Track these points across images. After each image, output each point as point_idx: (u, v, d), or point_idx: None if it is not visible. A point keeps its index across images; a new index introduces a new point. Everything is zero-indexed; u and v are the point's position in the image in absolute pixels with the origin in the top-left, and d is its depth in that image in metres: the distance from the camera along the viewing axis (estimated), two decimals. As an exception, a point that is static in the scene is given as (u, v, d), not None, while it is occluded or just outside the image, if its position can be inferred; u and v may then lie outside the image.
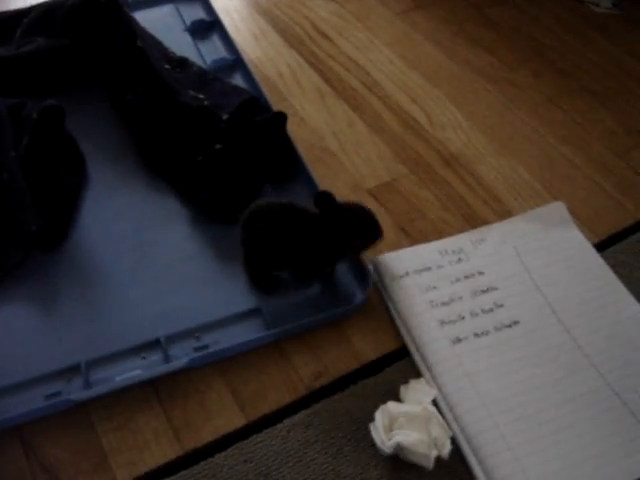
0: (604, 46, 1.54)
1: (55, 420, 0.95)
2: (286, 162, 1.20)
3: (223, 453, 0.92)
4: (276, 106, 1.29)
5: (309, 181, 1.17)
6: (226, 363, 1.00)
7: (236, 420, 0.95)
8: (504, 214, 1.18)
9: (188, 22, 1.52)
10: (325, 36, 1.53)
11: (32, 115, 1.15)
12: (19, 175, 1.12)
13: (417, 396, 0.94)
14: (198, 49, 1.45)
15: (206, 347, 1.00)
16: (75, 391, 0.97)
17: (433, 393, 0.94)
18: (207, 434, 0.94)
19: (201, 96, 1.23)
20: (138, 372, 0.97)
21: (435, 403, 0.94)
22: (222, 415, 0.95)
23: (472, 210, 1.18)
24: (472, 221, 1.17)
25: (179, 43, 1.44)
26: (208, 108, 1.18)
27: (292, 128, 1.24)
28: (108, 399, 0.97)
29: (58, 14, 1.35)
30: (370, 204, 1.15)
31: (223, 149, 1.14)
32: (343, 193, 1.19)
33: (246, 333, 1.02)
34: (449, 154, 1.28)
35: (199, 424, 0.95)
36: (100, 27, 1.32)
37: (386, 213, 1.17)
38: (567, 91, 1.42)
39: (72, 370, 0.99)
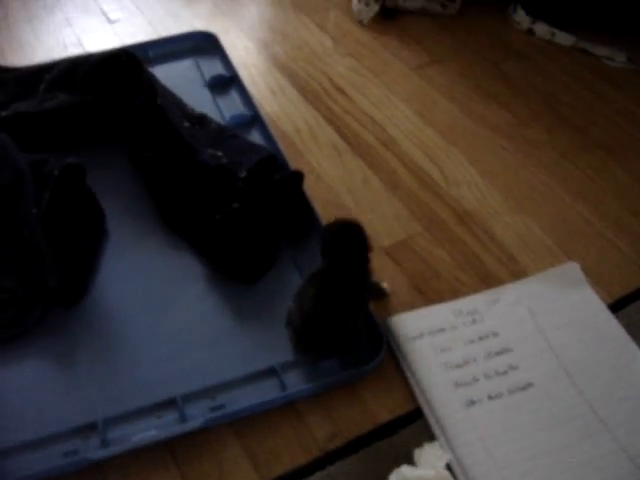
0: (618, 101, 1.55)
1: (72, 478, 0.96)
2: (303, 220, 1.21)
3: (236, 515, 0.92)
4: (293, 162, 1.31)
5: (325, 240, 1.19)
6: (241, 423, 1.00)
7: (251, 481, 0.95)
8: (519, 273, 1.19)
9: (207, 77, 1.55)
10: (342, 92, 1.55)
11: (54, 172, 1.17)
12: (40, 232, 1.14)
13: (431, 460, 0.94)
14: (217, 104, 1.48)
15: (222, 407, 1.01)
16: (92, 449, 0.98)
17: (447, 457, 0.94)
18: (221, 496, 0.94)
19: (219, 153, 1.25)
20: (154, 432, 0.98)
21: (449, 467, 0.94)
22: (237, 476, 0.96)
23: (487, 269, 1.19)
24: (487, 280, 1.18)
25: (198, 98, 1.46)
26: (226, 167, 1.20)
27: (308, 185, 1.26)
28: (124, 458, 0.97)
29: (80, 71, 1.38)
30: (386, 263, 1.18)
31: (241, 208, 1.15)
32: (359, 251, 1.20)
33: (261, 393, 1.02)
34: (464, 211, 1.29)
35: (214, 485, 0.95)
36: (121, 84, 1.35)
37: (401, 272, 1.18)
38: (581, 147, 1.43)
39: (89, 428, 1.00)
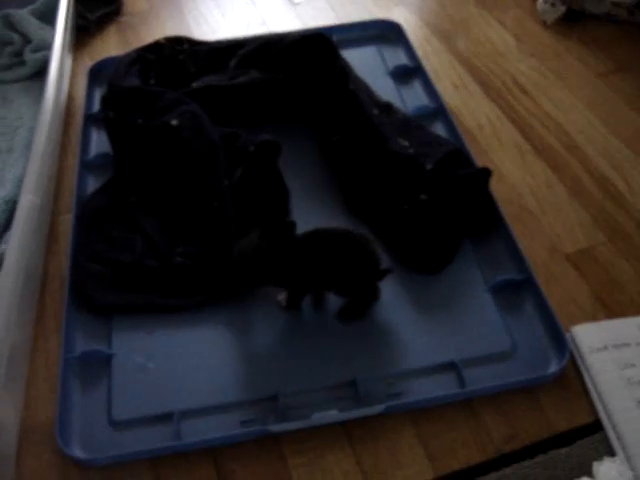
0: None
1: (248, 447, 0.99)
2: (486, 218, 1.20)
3: (410, 505, 0.93)
4: (475, 159, 1.30)
5: (508, 239, 1.18)
6: (418, 413, 1.01)
7: (425, 473, 0.96)
8: None
9: (391, 66, 1.55)
10: (525, 92, 1.53)
11: (249, 147, 1.19)
12: (229, 204, 1.17)
13: (612, 475, 0.92)
14: (400, 94, 1.48)
15: (399, 395, 1.02)
16: (268, 421, 1.00)
17: (629, 475, 0.92)
18: (396, 483, 0.95)
19: (406, 143, 1.25)
20: (334, 412, 0.99)
21: (630, 485, 0.92)
22: (411, 466, 0.96)
23: (673, 286, 1.16)
24: (673, 298, 1.14)
25: (381, 87, 1.46)
26: (415, 157, 1.20)
27: (492, 183, 1.24)
28: (300, 433, 0.99)
29: (274, 50, 1.40)
30: (567, 270, 1.16)
31: (429, 200, 1.15)
32: (540, 255, 1.19)
33: (438, 386, 1.03)
34: (649, 226, 1.25)
35: (389, 472, 0.96)
36: (314, 66, 1.36)
37: (583, 281, 1.16)
38: None
39: (269, 400, 1.02)
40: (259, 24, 1.77)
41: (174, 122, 1.27)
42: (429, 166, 1.21)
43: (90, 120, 1.50)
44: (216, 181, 1.19)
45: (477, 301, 1.12)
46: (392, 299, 1.13)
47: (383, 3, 1.84)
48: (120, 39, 1.78)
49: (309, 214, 1.25)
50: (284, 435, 1.00)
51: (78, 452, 0.99)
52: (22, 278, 1.07)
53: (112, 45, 1.76)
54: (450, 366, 1.05)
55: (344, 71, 1.36)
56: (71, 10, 1.66)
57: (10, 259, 1.04)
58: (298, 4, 1.84)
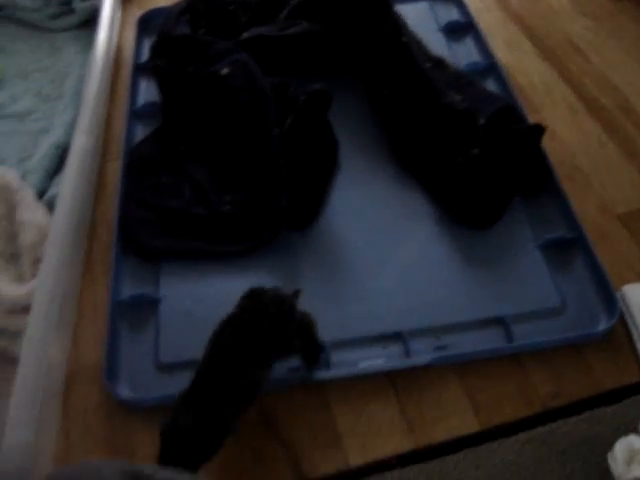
0: None
1: (295, 394, 1.00)
2: (537, 175, 1.19)
3: (455, 456, 0.93)
4: (528, 117, 1.28)
5: (559, 197, 1.17)
6: (464, 366, 1.01)
7: (470, 425, 0.96)
8: None
9: (442, 22, 1.53)
10: (579, 51, 1.50)
11: (300, 97, 1.19)
12: (278, 153, 1.17)
13: (660, 434, 0.92)
14: (452, 50, 1.46)
15: (445, 347, 1.02)
16: (315, 368, 1.00)
17: (677, 434, 0.91)
18: (441, 433, 0.95)
19: (458, 98, 1.24)
20: (381, 362, 1.00)
21: (678, 445, 0.91)
22: (456, 417, 0.96)
23: None
24: None
25: (433, 42, 1.45)
26: (469, 111, 1.19)
27: (543, 141, 1.22)
28: (346, 382, 1.00)
29: (326, 1, 1.39)
30: (618, 230, 1.14)
31: (481, 154, 1.14)
32: (591, 214, 1.17)
33: (486, 340, 1.02)
34: None
35: (433, 422, 0.96)
36: (366, 19, 1.35)
37: (634, 242, 1.15)
38: None
39: (315, 348, 1.03)
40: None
41: (224, 71, 1.26)
42: (481, 121, 1.19)
43: (139, 69, 1.49)
44: (266, 130, 1.19)
45: (526, 258, 1.11)
46: (441, 253, 1.13)
47: (436, -41, 1.80)
48: (170, -11, 1.77)
49: (357, 167, 1.25)
50: (330, 383, 1.00)
51: (124, 393, 1.01)
52: (75, 219, 1.07)
53: (162, -5, 1.75)
54: (498, 321, 1.04)
55: (397, 24, 1.34)
56: (122, -41, 1.65)
57: (63, 199, 1.05)
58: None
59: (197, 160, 1.26)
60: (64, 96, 1.46)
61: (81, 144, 1.13)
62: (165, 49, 1.38)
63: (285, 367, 1.01)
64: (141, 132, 1.36)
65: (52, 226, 1.04)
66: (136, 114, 1.39)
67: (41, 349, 0.92)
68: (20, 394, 0.85)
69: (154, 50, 1.41)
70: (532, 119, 1.29)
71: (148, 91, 1.44)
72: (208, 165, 1.25)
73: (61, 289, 1.00)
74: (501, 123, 1.21)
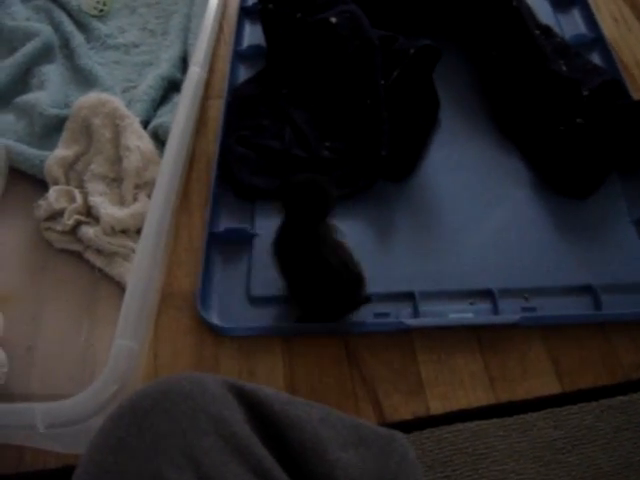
0: None
1: (380, 339, 1.02)
2: (637, 152, 1.18)
3: (535, 414, 0.95)
4: (632, 94, 1.27)
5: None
6: (549, 330, 1.02)
7: (552, 386, 0.97)
8: None
9: (549, -9, 1.52)
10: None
11: (409, 50, 1.20)
12: (383, 103, 1.18)
13: None
14: (558, 20, 1.45)
15: (533, 309, 1.03)
16: (403, 316, 1.03)
17: None
18: (522, 391, 0.97)
19: (564, 68, 1.24)
20: (470, 315, 1.01)
21: None
22: (539, 378, 0.98)
23: None
24: None
25: (539, 11, 1.43)
26: (576, 80, 1.18)
27: (642, 119, 1.22)
28: (433, 333, 1.02)
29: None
30: None
31: (585, 124, 1.14)
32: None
33: (574, 306, 1.04)
34: None
35: (515, 380, 0.98)
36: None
37: None
38: None
39: (404, 296, 1.05)
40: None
41: (333, 19, 1.27)
42: (585, 92, 1.19)
43: (244, 12, 1.52)
44: (372, 80, 1.20)
45: (619, 231, 1.12)
46: (535, 217, 1.13)
47: None
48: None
49: (457, 126, 1.26)
50: (416, 332, 1.02)
51: (216, 320, 1.04)
52: (183, 151, 1.10)
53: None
54: (587, 289, 1.05)
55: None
56: None
57: (177, 128, 1.08)
58: None
59: (299, 104, 1.28)
60: (170, 32, 1.49)
61: (195, 75, 1.16)
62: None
63: (372, 312, 1.03)
64: (244, 73, 1.39)
65: (165, 155, 1.07)
66: (240, 55, 1.42)
67: (147, 272, 0.95)
68: (129, 305, 0.89)
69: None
70: (636, 97, 1.28)
71: (253, 34, 1.47)
72: (310, 110, 1.27)
73: (168, 217, 1.03)
74: (605, 96, 1.20)
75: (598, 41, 1.40)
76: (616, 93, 1.23)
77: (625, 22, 1.50)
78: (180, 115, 1.09)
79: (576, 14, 1.49)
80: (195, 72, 1.16)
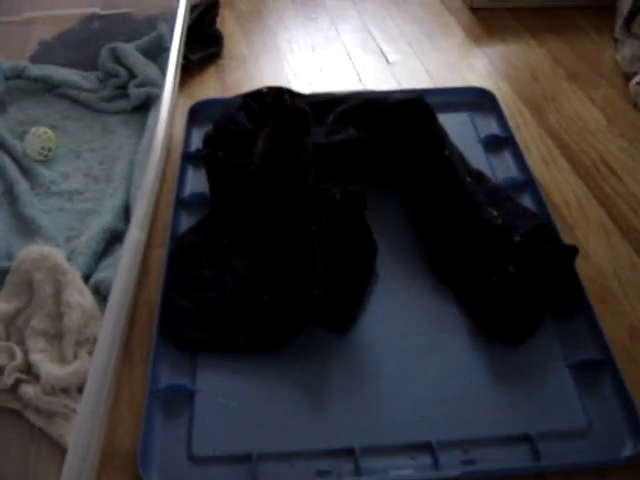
0: None
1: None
2: (569, 295, 1.22)
3: None
4: (561, 235, 1.31)
5: (590, 318, 1.20)
6: (490, 480, 1.02)
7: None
8: None
9: (482, 134, 1.59)
10: (613, 172, 1.54)
11: (336, 196, 1.24)
12: (316, 248, 1.20)
13: None
14: (490, 164, 1.51)
15: (473, 462, 1.03)
16: (345, 474, 1.02)
17: None
18: None
19: (495, 214, 1.28)
20: (410, 472, 1.01)
21: None
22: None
23: None
24: None
25: (472, 154, 1.50)
26: (506, 228, 1.23)
27: (575, 261, 1.26)
28: (376, 490, 1.01)
29: (373, 110, 1.45)
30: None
31: (516, 272, 1.17)
32: (620, 337, 1.20)
33: (513, 457, 1.04)
34: None
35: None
36: (412, 130, 1.40)
37: (663, 367, 1.17)
38: None
39: (344, 453, 1.05)
40: (355, 80, 1.83)
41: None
42: (517, 238, 1.23)
43: (187, 158, 1.56)
44: (304, 228, 1.22)
45: (555, 376, 1.14)
46: (472, 366, 1.15)
47: (477, 70, 1.88)
48: (218, 81, 1.85)
49: (395, 274, 1.29)
50: (360, 490, 1.02)
51: (157, 482, 1.03)
52: (125, 307, 1.11)
53: (211, 87, 1.83)
54: (525, 438, 1.06)
55: (440, 137, 1.40)
56: (181, 50, 1.72)
57: (116, 293, 1.09)
58: (393, 63, 1.89)
59: (241, 253, 1.30)
60: (113, 180, 1.51)
61: (135, 239, 1.18)
62: (220, 141, 1.44)
63: (314, 470, 1.03)
64: (186, 221, 1.41)
65: (106, 314, 1.07)
66: (182, 203, 1.45)
67: (89, 432, 0.95)
68: (71, 469, 0.88)
69: (209, 140, 1.47)
70: (565, 238, 1.32)
71: (195, 181, 1.50)
72: (250, 260, 1.29)
73: (110, 375, 1.03)
74: (536, 241, 1.25)
75: (529, 183, 1.46)
76: (546, 237, 1.28)
77: (554, 162, 1.57)
78: (120, 279, 1.10)
79: (507, 157, 1.55)
80: (135, 236, 1.18)
